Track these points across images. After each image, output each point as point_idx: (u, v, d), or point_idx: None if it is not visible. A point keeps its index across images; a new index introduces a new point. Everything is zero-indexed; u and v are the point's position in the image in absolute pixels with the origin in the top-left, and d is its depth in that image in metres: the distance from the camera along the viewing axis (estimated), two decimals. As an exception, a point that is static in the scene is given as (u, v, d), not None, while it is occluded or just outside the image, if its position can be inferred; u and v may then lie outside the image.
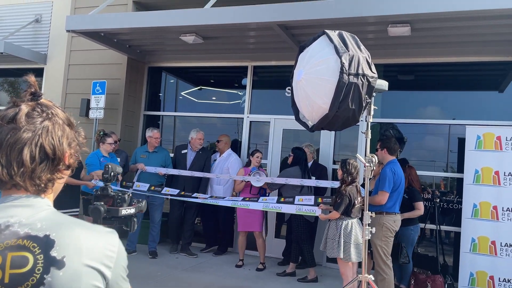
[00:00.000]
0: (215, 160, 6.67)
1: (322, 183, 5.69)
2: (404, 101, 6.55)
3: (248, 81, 7.23)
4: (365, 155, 4.13)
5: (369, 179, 4.17)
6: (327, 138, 6.67)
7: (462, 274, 5.33)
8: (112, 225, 2.00)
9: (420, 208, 5.38)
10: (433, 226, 5.76)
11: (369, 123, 4.15)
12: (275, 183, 5.74)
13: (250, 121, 7.20)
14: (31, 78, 1.10)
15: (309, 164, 6.33)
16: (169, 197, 5.88)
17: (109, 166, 1.80)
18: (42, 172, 1.05)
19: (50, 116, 1.07)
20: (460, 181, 5.86)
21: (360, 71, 3.58)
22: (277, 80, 7.40)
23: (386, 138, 4.89)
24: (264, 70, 7.30)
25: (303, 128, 6.80)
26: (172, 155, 6.84)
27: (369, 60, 3.70)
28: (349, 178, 4.39)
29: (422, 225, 5.57)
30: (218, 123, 7.53)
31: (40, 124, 1.05)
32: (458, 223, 5.75)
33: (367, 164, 4.08)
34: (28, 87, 1.09)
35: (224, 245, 6.75)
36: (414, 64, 6.45)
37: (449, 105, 6.27)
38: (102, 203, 1.64)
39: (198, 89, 7.90)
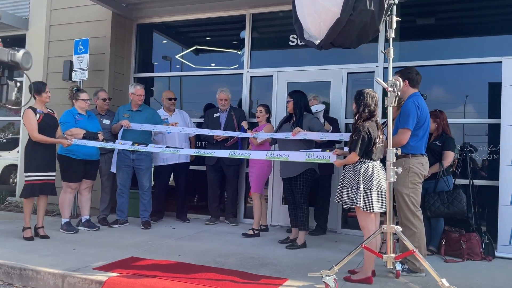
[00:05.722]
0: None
1: (329, 136, 4.84)
2: (424, 42, 5.74)
3: (246, 32, 6.45)
4: (387, 80, 3.37)
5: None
6: (338, 88, 5.89)
7: (501, 231, 4.56)
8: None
9: (447, 157, 4.62)
10: (465, 181, 4.97)
11: (391, 39, 3.37)
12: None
13: (251, 76, 6.43)
14: None
15: None
16: (154, 150, 5.14)
17: None
18: None
19: None
20: (493, 127, 5.07)
21: (379, -41, 2.81)
22: (279, 28, 6.60)
23: (406, 68, 4.06)
24: (264, 18, 6.50)
25: (310, 80, 6.18)
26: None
27: (390, -51, 2.93)
28: (367, 111, 3.60)
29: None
30: (216, 81, 6.77)
31: None
32: (493, 176, 4.97)
33: (390, 89, 3.32)
34: None
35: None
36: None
37: (478, 42, 5.45)
38: None
39: (194, 49, 7.15)
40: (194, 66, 7.05)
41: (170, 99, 6.11)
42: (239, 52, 6.66)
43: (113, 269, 3.66)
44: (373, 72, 5.67)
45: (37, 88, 4.80)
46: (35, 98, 4.84)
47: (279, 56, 6.45)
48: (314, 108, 5.19)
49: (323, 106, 5.45)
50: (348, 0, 2.82)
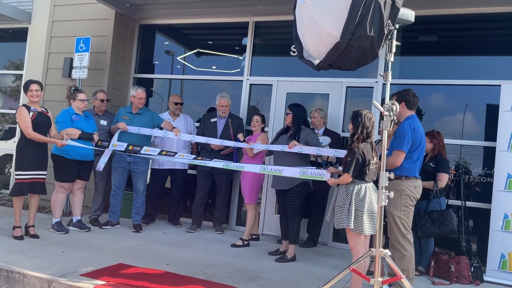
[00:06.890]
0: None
1: (324, 151, 4.84)
2: (425, 59, 5.74)
3: (248, 39, 6.44)
4: (384, 103, 3.37)
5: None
6: (336, 101, 5.88)
7: (491, 256, 4.56)
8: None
9: (442, 179, 4.61)
10: (457, 202, 4.98)
11: (390, 63, 3.37)
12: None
13: (250, 84, 6.42)
14: None
15: (320, 131, 5.55)
16: (149, 157, 5.12)
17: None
18: None
19: None
20: (489, 150, 5.07)
21: (381, -14, 2.80)
22: (280, 37, 6.59)
23: (403, 90, 4.08)
24: (267, 26, 6.49)
25: (309, 91, 6.18)
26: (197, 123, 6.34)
27: (393, -26, 2.92)
28: (364, 133, 3.60)
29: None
30: (215, 86, 6.77)
31: None
32: (486, 199, 4.97)
33: (386, 113, 3.31)
34: None
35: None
36: (437, 18, 5.60)
37: (478, 63, 5.45)
38: None
39: (195, 52, 7.14)
40: (195, 68, 7.04)
41: (176, 103, 6.08)
42: (240, 57, 6.65)
43: (100, 277, 3.65)
44: (372, 87, 5.67)
45: (24, 86, 4.82)
46: (29, 97, 4.84)
47: (280, 65, 6.44)
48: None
49: (328, 140, 5.34)
50: (348, 25, 2.81)
